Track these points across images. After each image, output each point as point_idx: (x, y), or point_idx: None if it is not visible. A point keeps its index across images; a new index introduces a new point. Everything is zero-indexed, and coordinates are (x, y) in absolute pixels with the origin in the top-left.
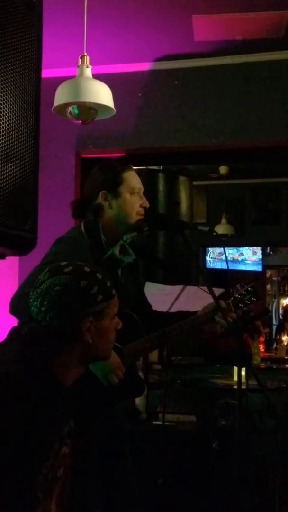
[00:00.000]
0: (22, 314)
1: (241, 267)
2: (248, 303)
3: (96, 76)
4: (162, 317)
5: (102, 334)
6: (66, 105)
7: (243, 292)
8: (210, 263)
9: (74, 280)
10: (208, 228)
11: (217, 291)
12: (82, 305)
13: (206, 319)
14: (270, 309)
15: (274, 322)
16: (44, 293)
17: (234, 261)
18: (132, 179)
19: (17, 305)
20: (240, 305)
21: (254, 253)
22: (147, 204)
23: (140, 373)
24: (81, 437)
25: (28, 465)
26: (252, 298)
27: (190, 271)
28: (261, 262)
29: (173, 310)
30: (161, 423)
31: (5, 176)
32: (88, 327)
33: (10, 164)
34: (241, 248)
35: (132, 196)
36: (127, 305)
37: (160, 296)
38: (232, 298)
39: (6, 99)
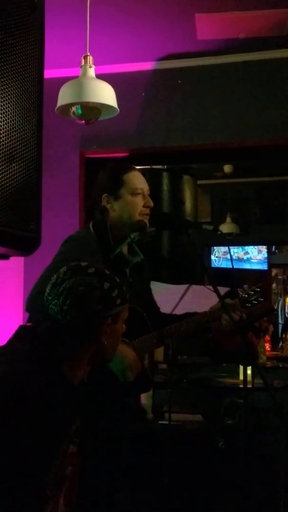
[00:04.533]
0: (37, 312)
1: (247, 266)
2: (255, 303)
3: (99, 76)
4: (169, 318)
5: (114, 336)
6: (70, 105)
7: (250, 292)
8: (215, 262)
9: (98, 282)
10: (212, 227)
11: (222, 290)
12: (104, 307)
13: (212, 317)
14: (275, 307)
15: (280, 320)
16: (66, 293)
17: (239, 260)
18: (134, 179)
19: (33, 304)
20: (246, 304)
21: (259, 251)
22: (150, 204)
23: (149, 375)
24: (88, 433)
25: (38, 464)
26: (259, 299)
27: (195, 270)
28: (266, 260)
29: (178, 309)
30: (167, 422)
31: (8, 176)
32: (105, 329)
33: (13, 164)
34: (246, 247)
35: (134, 197)
36: (137, 303)
37: (165, 296)
38: (238, 298)
39: (9, 99)
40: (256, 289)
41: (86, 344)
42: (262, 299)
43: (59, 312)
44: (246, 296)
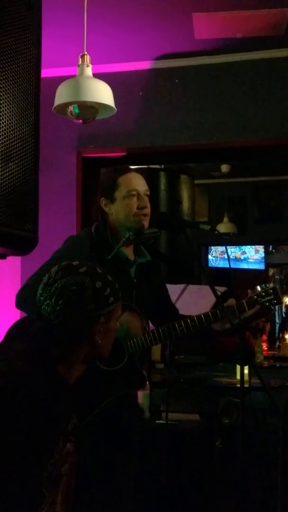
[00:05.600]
0: (26, 306)
1: (244, 266)
2: (267, 305)
3: (96, 75)
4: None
5: (108, 335)
6: (67, 104)
7: (261, 293)
8: (213, 262)
9: (90, 281)
10: (210, 226)
11: (220, 290)
12: (97, 306)
13: (214, 318)
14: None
15: (277, 320)
16: (59, 292)
17: (237, 259)
18: (129, 181)
19: (21, 297)
20: (256, 305)
21: (257, 251)
22: (145, 205)
23: (144, 372)
24: (84, 432)
25: (34, 462)
26: (273, 301)
27: (192, 270)
28: (263, 260)
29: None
30: (164, 421)
31: (5, 175)
32: (98, 328)
33: (10, 163)
34: (243, 247)
35: (127, 199)
36: (140, 303)
37: None
38: (247, 298)
39: (6, 98)
40: (269, 290)
41: (80, 344)
42: (276, 301)
43: (52, 313)
44: (256, 297)
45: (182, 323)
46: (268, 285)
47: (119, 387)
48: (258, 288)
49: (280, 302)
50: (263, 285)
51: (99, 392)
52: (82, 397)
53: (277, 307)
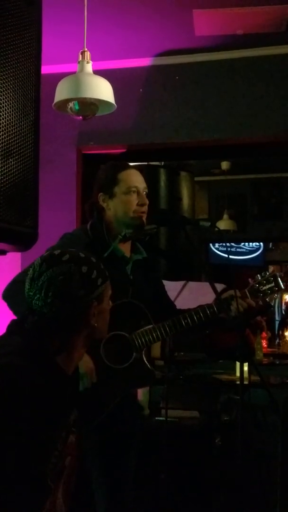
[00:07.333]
0: (11, 300)
1: (243, 263)
2: (268, 292)
3: (96, 72)
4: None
5: (102, 316)
6: (67, 101)
7: (262, 281)
8: (212, 258)
9: (75, 268)
10: (210, 223)
11: (219, 287)
12: (86, 292)
13: (218, 308)
14: (272, 304)
15: (276, 317)
16: (47, 285)
17: (236, 256)
18: (129, 178)
19: (8, 291)
20: (259, 294)
21: (256, 248)
22: (144, 202)
23: (152, 367)
24: (88, 425)
25: (39, 454)
26: (275, 288)
27: (192, 267)
28: (263, 257)
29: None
30: (164, 418)
31: (5, 171)
32: (92, 312)
33: (10, 159)
34: (243, 244)
35: (127, 195)
36: (138, 301)
37: None
38: (249, 287)
39: (6, 94)
40: (270, 278)
41: (77, 331)
42: (277, 288)
43: (44, 306)
44: (257, 285)
45: (187, 315)
46: (267, 273)
47: (129, 384)
48: (259, 276)
49: (281, 288)
50: (262, 273)
51: (109, 391)
52: (93, 397)
53: (277, 305)
